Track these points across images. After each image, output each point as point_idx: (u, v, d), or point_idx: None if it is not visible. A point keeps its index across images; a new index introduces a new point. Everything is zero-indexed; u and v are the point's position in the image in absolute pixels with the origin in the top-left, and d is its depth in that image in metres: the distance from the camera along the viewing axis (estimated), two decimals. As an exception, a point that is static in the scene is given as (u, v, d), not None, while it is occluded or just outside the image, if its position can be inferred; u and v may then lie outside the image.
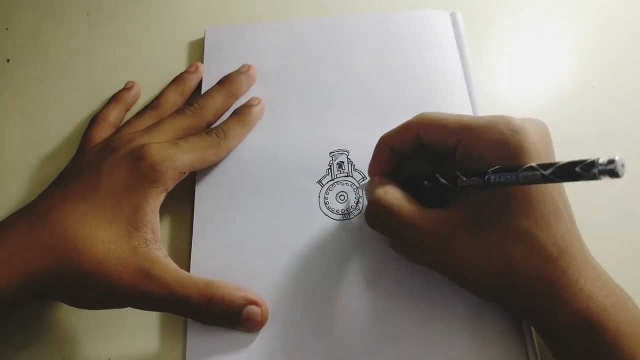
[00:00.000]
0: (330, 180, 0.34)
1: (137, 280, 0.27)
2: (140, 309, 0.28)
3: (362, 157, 0.35)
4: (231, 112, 0.36)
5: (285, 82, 0.38)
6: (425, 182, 0.28)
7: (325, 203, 0.33)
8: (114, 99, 0.38)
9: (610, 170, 0.19)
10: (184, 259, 0.32)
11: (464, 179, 0.25)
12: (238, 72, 0.38)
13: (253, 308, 0.28)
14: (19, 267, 0.26)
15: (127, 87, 0.39)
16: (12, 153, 0.38)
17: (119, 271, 0.27)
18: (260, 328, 0.29)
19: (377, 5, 0.43)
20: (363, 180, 0.34)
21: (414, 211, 0.27)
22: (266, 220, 0.33)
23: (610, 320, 0.23)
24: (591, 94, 0.38)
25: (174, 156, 0.30)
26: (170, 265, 0.28)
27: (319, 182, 0.34)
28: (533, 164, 0.22)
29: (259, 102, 0.36)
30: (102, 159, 0.30)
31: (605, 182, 0.21)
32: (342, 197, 0.33)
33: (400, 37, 0.39)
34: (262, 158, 0.35)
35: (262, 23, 0.42)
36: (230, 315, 0.28)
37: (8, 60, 0.42)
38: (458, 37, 0.40)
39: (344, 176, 0.34)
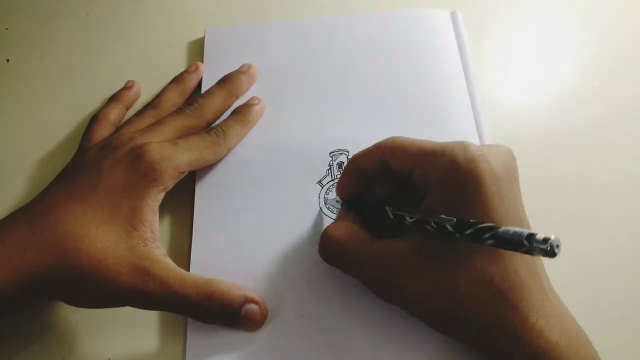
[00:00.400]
0: (330, 181, 0.34)
1: (136, 279, 0.27)
2: (140, 307, 0.28)
3: None
4: (231, 111, 0.36)
5: (285, 82, 0.38)
6: (390, 214, 0.27)
7: (325, 203, 0.33)
8: (114, 98, 0.38)
9: (544, 250, 0.19)
10: (183, 258, 0.32)
11: (409, 219, 0.25)
12: (238, 72, 0.38)
13: (252, 306, 0.28)
14: (18, 265, 0.26)
15: (127, 87, 0.39)
16: (12, 153, 0.38)
17: (117, 270, 0.27)
18: (260, 327, 0.29)
19: (377, 4, 0.43)
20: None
21: (362, 245, 0.27)
22: (266, 220, 0.33)
23: (562, 359, 0.22)
24: (591, 94, 0.38)
25: (173, 155, 0.30)
26: (169, 264, 0.28)
27: (319, 182, 0.34)
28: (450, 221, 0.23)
29: (259, 102, 0.36)
30: (101, 158, 0.30)
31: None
32: None
33: (401, 36, 0.39)
34: (262, 158, 0.35)
35: (262, 23, 0.42)
36: (230, 313, 0.28)
37: (8, 60, 0.42)
38: (458, 37, 0.40)
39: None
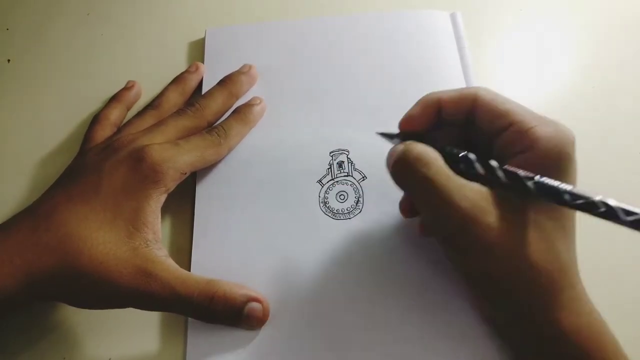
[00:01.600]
0: (330, 180, 0.34)
1: (138, 280, 0.27)
2: (142, 309, 0.28)
3: (362, 156, 0.35)
4: (232, 111, 0.36)
5: (285, 82, 0.38)
6: (500, 173, 0.25)
7: (325, 203, 0.33)
8: (114, 98, 0.38)
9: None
10: (184, 258, 0.32)
11: (508, 167, 0.25)
12: (239, 72, 0.38)
13: (255, 305, 0.28)
14: (20, 267, 0.26)
15: (128, 87, 0.39)
16: (12, 153, 0.38)
17: (119, 271, 0.27)
18: (262, 325, 0.29)
19: (377, 5, 0.43)
20: (363, 180, 0.34)
21: (446, 172, 0.25)
22: (266, 220, 0.33)
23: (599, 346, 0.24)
24: (591, 94, 0.38)
25: (174, 157, 0.30)
26: (171, 265, 0.28)
27: (319, 181, 0.34)
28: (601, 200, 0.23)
29: (259, 102, 0.37)
30: (103, 160, 0.31)
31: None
32: (342, 197, 0.33)
33: (401, 37, 0.40)
34: (263, 157, 0.35)
35: (262, 23, 0.42)
36: (232, 312, 0.28)
37: (8, 60, 0.42)
38: (458, 38, 0.40)
39: (344, 176, 0.34)
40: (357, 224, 0.32)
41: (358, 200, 0.33)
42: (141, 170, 0.29)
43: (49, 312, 0.31)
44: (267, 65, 0.39)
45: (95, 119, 0.36)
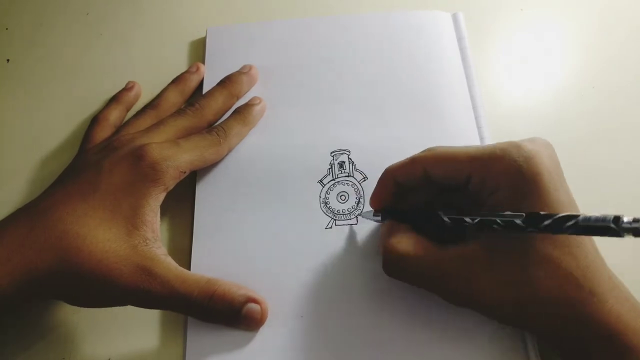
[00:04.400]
0: (331, 180, 0.34)
1: (137, 279, 0.27)
2: (141, 307, 0.28)
3: (364, 157, 0.35)
4: (232, 111, 0.36)
5: (286, 82, 0.38)
6: (446, 219, 0.27)
7: (326, 203, 0.33)
8: (114, 99, 0.38)
9: (635, 229, 0.20)
10: (184, 258, 0.32)
11: (470, 221, 0.25)
12: (239, 73, 0.38)
13: (253, 306, 0.28)
14: (19, 265, 0.26)
15: (128, 88, 0.39)
16: (12, 153, 0.38)
17: (119, 269, 0.27)
18: (260, 326, 0.29)
19: (379, 4, 0.43)
20: (364, 180, 0.34)
21: (429, 255, 0.27)
22: (267, 220, 0.33)
23: (637, 339, 0.23)
24: (591, 94, 0.38)
25: (174, 155, 0.30)
26: (170, 264, 0.28)
27: (320, 181, 0.34)
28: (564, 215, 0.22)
29: (259, 102, 0.36)
30: (102, 158, 0.31)
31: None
32: (342, 197, 0.33)
33: (402, 37, 0.40)
34: (263, 157, 0.35)
35: (263, 22, 0.42)
36: (231, 312, 0.28)
37: (8, 60, 0.42)
38: (460, 38, 0.40)
39: (345, 176, 0.34)
40: (358, 224, 0.32)
41: (359, 201, 0.33)
42: (141, 169, 0.29)
43: (49, 312, 0.31)
44: (268, 64, 0.39)
45: (95, 120, 0.36)
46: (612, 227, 0.21)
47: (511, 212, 0.24)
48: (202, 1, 0.44)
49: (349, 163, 0.34)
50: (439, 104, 0.36)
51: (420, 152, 0.28)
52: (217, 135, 0.33)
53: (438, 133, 0.35)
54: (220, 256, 0.32)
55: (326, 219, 0.33)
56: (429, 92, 0.37)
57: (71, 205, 0.28)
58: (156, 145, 0.30)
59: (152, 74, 0.40)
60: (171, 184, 0.31)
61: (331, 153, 0.35)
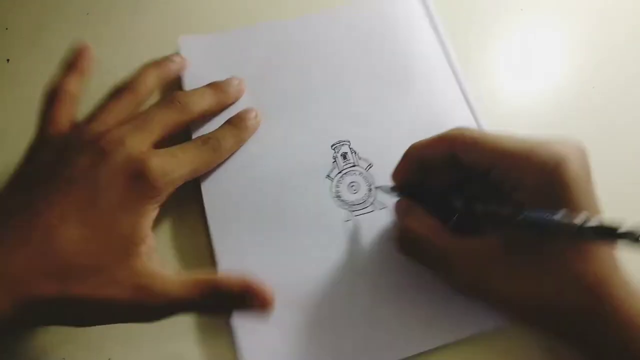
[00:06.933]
0: (338, 173, 0.34)
1: (139, 298, 0.26)
2: (144, 322, 0.27)
3: (365, 144, 0.35)
4: (222, 120, 0.35)
5: (271, 86, 0.37)
6: (458, 202, 0.27)
7: (339, 196, 0.33)
8: (70, 67, 0.33)
9: None
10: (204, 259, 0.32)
11: (495, 208, 0.25)
12: (227, 82, 0.36)
13: (254, 298, 0.27)
14: (19, 294, 0.24)
15: (80, 50, 0.34)
16: (12, 153, 0.38)
17: (120, 293, 0.26)
18: (269, 308, 0.28)
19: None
20: (370, 167, 0.34)
21: (446, 241, 0.27)
22: (282, 224, 0.32)
23: None
24: (591, 94, 0.38)
25: (173, 172, 0.29)
26: (167, 275, 0.27)
27: (328, 176, 0.34)
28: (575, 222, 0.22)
29: (255, 115, 0.35)
30: (91, 167, 0.28)
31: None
32: (353, 188, 0.33)
33: (372, 25, 0.40)
34: (265, 163, 0.34)
35: (238, 30, 0.40)
36: (233, 302, 0.28)
37: (8, 60, 0.42)
38: (430, 17, 0.40)
39: (351, 166, 0.34)
40: (375, 212, 0.32)
41: (370, 189, 0.33)
42: (140, 187, 0.28)
43: (49, 312, 0.31)
44: (249, 71, 0.38)
45: (52, 94, 0.32)
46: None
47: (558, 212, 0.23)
48: (203, 2, 0.44)
49: (352, 153, 0.35)
50: (423, 81, 0.37)
51: (449, 131, 0.28)
52: (213, 149, 0.32)
53: (427, 109, 0.36)
54: (245, 261, 0.31)
55: (342, 213, 0.33)
56: (410, 75, 0.37)
57: (70, 230, 0.26)
58: (156, 161, 0.29)
59: (152, 74, 0.40)
60: (165, 198, 0.30)
61: (332, 146, 0.35)
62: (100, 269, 0.26)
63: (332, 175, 0.34)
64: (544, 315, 0.25)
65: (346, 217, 0.32)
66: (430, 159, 0.28)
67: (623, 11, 0.42)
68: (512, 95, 0.38)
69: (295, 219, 0.32)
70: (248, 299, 0.28)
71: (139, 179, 0.28)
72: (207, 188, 0.33)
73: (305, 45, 0.39)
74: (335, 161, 0.34)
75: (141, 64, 0.41)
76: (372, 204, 0.33)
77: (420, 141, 0.29)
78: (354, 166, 0.34)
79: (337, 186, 0.33)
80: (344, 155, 0.34)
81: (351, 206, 0.33)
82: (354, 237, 0.32)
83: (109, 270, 0.26)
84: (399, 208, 0.30)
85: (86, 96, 0.40)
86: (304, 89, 0.37)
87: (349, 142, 0.35)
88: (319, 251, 0.31)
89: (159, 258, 0.29)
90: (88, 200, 0.27)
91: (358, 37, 0.39)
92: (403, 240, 0.29)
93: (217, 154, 0.33)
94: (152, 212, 0.29)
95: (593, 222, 0.22)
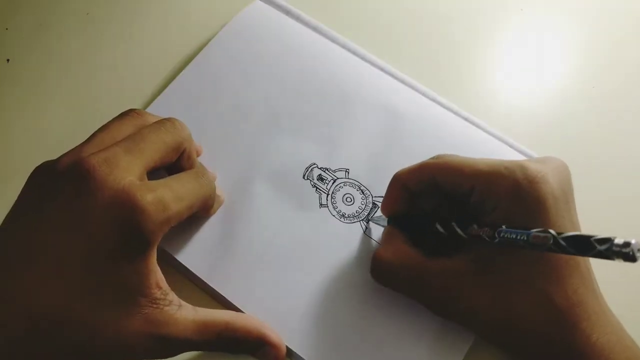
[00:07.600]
0: (327, 196, 0.33)
1: (155, 347, 0.25)
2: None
3: (329, 158, 0.34)
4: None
5: (215, 132, 0.35)
6: (438, 226, 0.27)
7: (343, 215, 0.33)
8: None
9: (625, 254, 0.19)
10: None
11: (475, 227, 0.25)
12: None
13: (268, 349, 0.27)
14: None
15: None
16: (12, 154, 0.38)
17: (134, 346, 0.24)
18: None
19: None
20: (348, 173, 0.33)
21: (421, 264, 0.27)
22: (289, 256, 0.31)
23: None
24: (591, 94, 0.38)
25: (172, 217, 0.25)
26: (184, 317, 0.25)
27: (321, 205, 0.33)
28: (550, 231, 0.22)
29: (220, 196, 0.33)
30: (78, 197, 0.24)
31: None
32: (348, 200, 0.33)
33: (250, 38, 0.38)
34: (257, 209, 0.33)
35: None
36: (250, 348, 0.27)
37: (8, 60, 0.42)
38: (288, 12, 0.39)
39: (332, 183, 0.33)
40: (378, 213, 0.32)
41: (363, 193, 0.33)
42: (138, 236, 0.24)
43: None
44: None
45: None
46: (595, 245, 0.20)
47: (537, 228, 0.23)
48: (203, 2, 0.44)
49: (324, 171, 0.34)
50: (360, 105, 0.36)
51: (430, 159, 0.28)
52: (208, 184, 0.29)
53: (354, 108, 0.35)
54: (249, 284, 0.31)
55: (355, 227, 0.32)
56: (316, 73, 0.36)
57: (68, 290, 0.23)
58: (153, 209, 0.24)
59: (152, 74, 0.40)
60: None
61: (303, 176, 0.33)
62: (111, 324, 0.24)
63: (324, 202, 0.33)
64: (508, 333, 0.25)
65: (364, 227, 0.32)
66: (414, 186, 0.29)
67: (623, 11, 0.42)
68: (512, 95, 0.38)
69: (301, 255, 0.31)
70: (262, 348, 0.27)
71: (136, 231, 0.24)
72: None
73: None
74: (316, 188, 0.33)
75: (141, 63, 0.41)
76: (372, 209, 0.33)
77: (403, 169, 0.29)
78: (335, 181, 0.33)
79: (334, 207, 0.33)
80: (320, 178, 0.33)
81: (349, 219, 0.32)
82: (360, 251, 0.31)
83: (121, 323, 0.24)
84: (382, 236, 0.30)
85: (86, 96, 0.40)
86: (245, 132, 0.35)
87: (315, 164, 0.34)
88: (330, 270, 0.31)
89: (175, 297, 0.26)
90: (83, 250, 0.23)
91: (254, 55, 0.37)
92: (372, 268, 0.29)
93: (213, 191, 0.30)
94: (155, 253, 0.26)
95: (562, 237, 0.21)
